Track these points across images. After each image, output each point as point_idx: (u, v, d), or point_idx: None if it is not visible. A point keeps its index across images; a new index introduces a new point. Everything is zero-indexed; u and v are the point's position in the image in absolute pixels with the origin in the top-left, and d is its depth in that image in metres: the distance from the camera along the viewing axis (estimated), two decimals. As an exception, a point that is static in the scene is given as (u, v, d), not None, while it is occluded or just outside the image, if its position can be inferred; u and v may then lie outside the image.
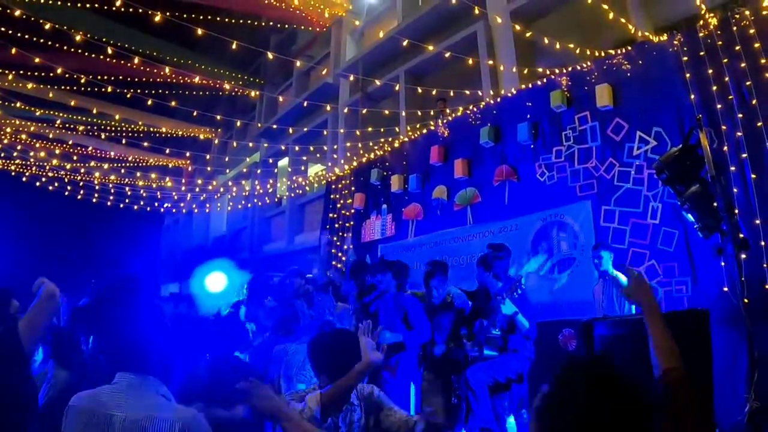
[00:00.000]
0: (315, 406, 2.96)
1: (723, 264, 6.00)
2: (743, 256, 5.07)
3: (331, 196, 13.06)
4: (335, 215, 12.67)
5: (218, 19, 15.43)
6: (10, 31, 12.50)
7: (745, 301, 4.98)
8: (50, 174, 18.02)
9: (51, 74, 13.70)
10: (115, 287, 2.26)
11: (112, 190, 19.29)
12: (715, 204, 4.81)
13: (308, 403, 2.99)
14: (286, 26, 18.62)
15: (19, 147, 16.89)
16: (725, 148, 6.41)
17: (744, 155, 6.31)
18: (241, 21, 16.54)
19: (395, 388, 5.98)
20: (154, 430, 1.99)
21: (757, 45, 6.54)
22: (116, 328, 2.23)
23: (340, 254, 12.00)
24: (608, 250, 6.79)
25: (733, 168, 6.32)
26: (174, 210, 23.65)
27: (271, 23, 18.00)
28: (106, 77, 14.54)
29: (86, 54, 14.28)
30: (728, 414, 5.14)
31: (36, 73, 14.54)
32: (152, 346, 2.18)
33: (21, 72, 14.80)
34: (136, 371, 2.12)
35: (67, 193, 18.77)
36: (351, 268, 8.20)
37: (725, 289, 5.98)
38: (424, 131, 11.16)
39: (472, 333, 6.03)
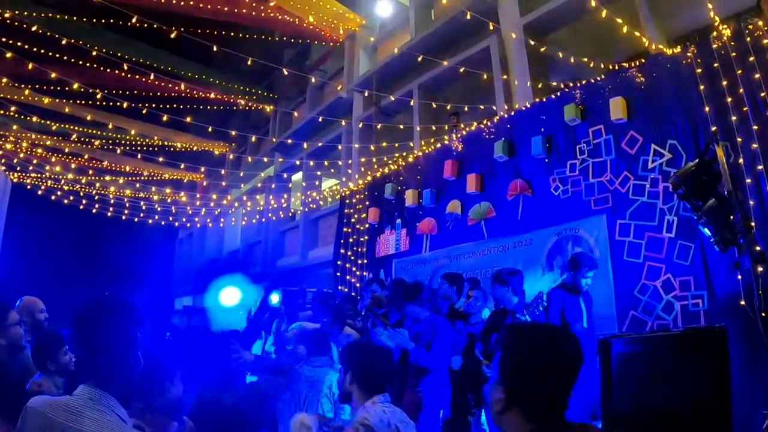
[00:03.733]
0: None
1: (740, 278, 5.94)
2: (760, 269, 5.02)
3: (345, 211, 13.08)
4: (349, 230, 12.68)
5: (232, 34, 15.53)
6: (26, 46, 12.64)
7: (763, 314, 4.93)
8: (65, 187, 18.15)
9: (67, 89, 13.81)
10: (98, 306, 2.27)
11: (127, 204, 19.40)
12: (731, 217, 4.78)
13: None
14: (300, 41, 18.74)
15: (35, 161, 17.02)
16: (741, 160, 6.37)
17: (760, 167, 6.27)
18: (254, 36, 16.65)
19: (424, 415, 5.92)
20: None
21: (771, 56, 6.52)
22: (91, 342, 2.22)
23: (354, 269, 12.00)
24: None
25: (749, 180, 6.28)
26: (188, 224, 23.74)
27: (284, 38, 18.13)
28: (121, 92, 14.67)
29: (102, 69, 14.42)
30: (745, 430, 5.09)
31: (52, 88, 14.68)
32: (118, 364, 2.18)
33: (37, 86, 14.95)
34: (97, 386, 2.12)
35: (82, 207, 18.88)
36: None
37: (742, 303, 5.92)
38: (438, 145, 11.16)
39: (487, 350, 5.98)
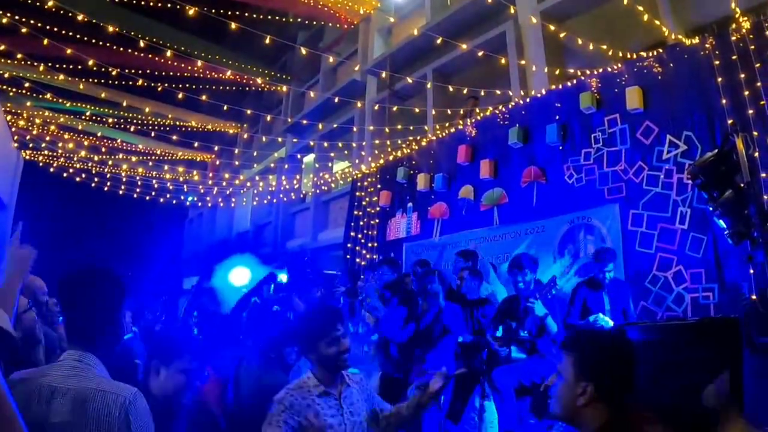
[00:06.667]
0: None
1: (751, 272, 5.93)
2: (773, 264, 5.02)
3: (357, 194, 13.08)
4: (360, 212, 12.69)
5: (246, 15, 15.48)
6: (40, 24, 12.64)
7: (774, 309, 4.93)
8: (77, 165, 18.20)
9: (81, 67, 13.82)
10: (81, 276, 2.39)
11: (139, 183, 19.46)
12: (746, 211, 4.78)
13: None
14: (314, 23, 18.67)
15: (47, 138, 17.06)
16: (756, 154, 6.33)
17: (775, 161, 6.25)
18: (269, 17, 16.60)
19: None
20: (98, 403, 2.06)
21: (790, 50, 6.48)
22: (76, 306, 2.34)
23: (364, 252, 12.02)
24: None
25: (764, 174, 6.25)
26: (200, 204, 23.80)
27: (299, 19, 18.07)
28: (136, 71, 14.67)
29: (117, 47, 14.42)
30: (757, 426, 5.10)
31: (67, 66, 14.69)
32: (99, 327, 2.29)
33: (51, 64, 14.95)
34: (82, 348, 2.22)
35: (93, 185, 18.93)
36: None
37: (753, 297, 5.91)
38: (452, 130, 11.14)
39: (502, 335, 6.00)
